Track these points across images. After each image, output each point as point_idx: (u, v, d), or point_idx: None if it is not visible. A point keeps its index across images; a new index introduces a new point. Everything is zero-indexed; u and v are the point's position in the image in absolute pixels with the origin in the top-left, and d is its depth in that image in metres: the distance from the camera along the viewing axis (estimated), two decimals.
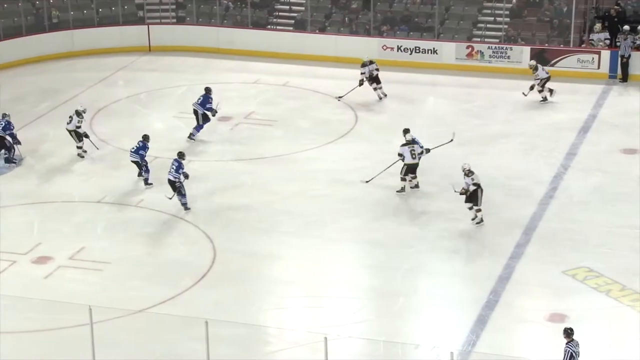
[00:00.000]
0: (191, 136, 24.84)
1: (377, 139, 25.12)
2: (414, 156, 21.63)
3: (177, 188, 21.11)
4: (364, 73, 26.62)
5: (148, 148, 22.57)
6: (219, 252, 19.63)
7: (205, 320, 14.42)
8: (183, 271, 18.98)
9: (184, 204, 21.16)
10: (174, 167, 21.16)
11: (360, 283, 18.90)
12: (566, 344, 14.77)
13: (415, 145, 21.68)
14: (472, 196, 20.33)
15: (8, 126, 23.79)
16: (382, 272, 19.09)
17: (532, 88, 27.04)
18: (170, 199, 21.09)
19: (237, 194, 22.08)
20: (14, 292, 17.72)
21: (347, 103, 27.37)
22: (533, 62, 27.51)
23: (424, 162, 21.98)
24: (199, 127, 24.92)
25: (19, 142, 23.86)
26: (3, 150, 23.77)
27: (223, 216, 21.10)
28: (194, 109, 24.98)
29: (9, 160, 23.64)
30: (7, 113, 24.16)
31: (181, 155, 21.47)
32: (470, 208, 20.46)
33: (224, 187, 22.42)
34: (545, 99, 27.17)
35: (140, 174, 22.54)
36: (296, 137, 25.18)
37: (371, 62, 26.77)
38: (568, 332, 14.88)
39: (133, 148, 22.60)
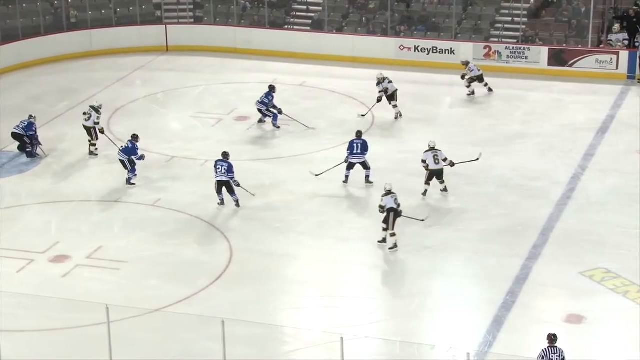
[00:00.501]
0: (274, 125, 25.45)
1: (393, 138, 25.12)
2: (437, 162, 21.41)
3: (231, 187, 21.16)
4: (381, 91, 26.00)
5: (137, 148, 22.59)
6: (235, 252, 19.66)
7: (221, 319, 14.45)
8: (200, 271, 19.02)
9: (236, 201, 21.25)
10: (224, 168, 21.11)
11: (376, 283, 18.89)
12: (546, 347, 14.59)
13: (439, 151, 21.51)
14: (386, 219, 19.60)
15: (30, 127, 23.92)
16: (398, 273, 19.08)
17: (463, 77, 27.47)
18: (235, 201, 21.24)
19: (249, 194, 22.09)
20: (32, 291, 17.81)
21: (364, 103, 27.34)
22: (464, 59, 27.92)
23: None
24: (272, 118, 25.44)
25: (39, 143, 23.99)
26: (26, 146, 23.88)
27: (240, 215, 21.13)
28: (257, 108, 25.33)
29: (30, 155, 23.76)
30: (33, 115, 24.28)
31: (226, 155, 21.42)
32: (385, 229, 19.72)
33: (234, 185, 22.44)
34: (472, 92, 27.43)
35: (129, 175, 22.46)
36: (313, 137, 25.18)
37: (385, 79, 26.11)
38: (552, 338, 14.68)
39: (122, 147, 22.65)
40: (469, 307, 17.81)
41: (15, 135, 23.93)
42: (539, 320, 17.21)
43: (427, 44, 30.38)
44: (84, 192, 22.30)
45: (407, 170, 23.07)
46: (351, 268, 19.23)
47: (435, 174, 21.59)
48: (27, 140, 23.82)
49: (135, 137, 22.73)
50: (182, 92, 28.61)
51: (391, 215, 19.54)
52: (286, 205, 21.59)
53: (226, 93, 28.45)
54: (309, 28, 32.09)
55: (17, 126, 23.99)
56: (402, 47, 30.49)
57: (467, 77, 27.53)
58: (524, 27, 30.55)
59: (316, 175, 22.44)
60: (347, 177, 22.42)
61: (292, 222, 20.90)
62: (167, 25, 32.06)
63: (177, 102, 27.94)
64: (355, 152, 22.31)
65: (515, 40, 30.25)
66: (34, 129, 23.95)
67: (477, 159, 22.19)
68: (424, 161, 21.60)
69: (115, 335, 14.91)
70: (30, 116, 24.23)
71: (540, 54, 29.45)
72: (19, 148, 24.06)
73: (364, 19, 31.97)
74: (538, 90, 28.05)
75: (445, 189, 21.70)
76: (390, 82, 26.03)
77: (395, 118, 26.05)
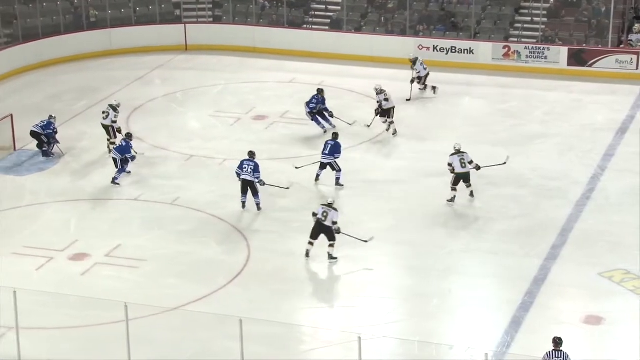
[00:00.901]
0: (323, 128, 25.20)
1: (412, 138, 25.06)
2: (463, 165, 21.13)
3: (255, 188, 21.07)
4: (379, 102, 25.43)
5: (131, 147, 22.65)
6: (253, 251, 19.68)
7: (239, 318, 14.46)
8: (218, 269, 19.05)
9: (258, 204, 21.15)
10: (250, 168, 21.04)
11: (394, 283, 18.87)
12: (550, 351, 14.53)
13: (465, 154, 21.21)
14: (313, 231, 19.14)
15: (48, 126, 24.03)
16: (417, 273, 19.04)
17: (412, 82, 27.16)
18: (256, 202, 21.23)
19: (272, 193, 22.08)
20: (51, 289, 17.88)
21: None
22: (412, 55, 27.52)
23: None
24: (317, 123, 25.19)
25: (57, 142, 24.10)
26: (43, 146, 24.00)
27: (258, 215, 21.14)
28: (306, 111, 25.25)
29: (46, 154, 23.89)
30: (53, 115, 24.38)
31: (252, 154, 21.36)
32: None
33: (258, 186, 22.42)
34: (427, 88, 27.44)
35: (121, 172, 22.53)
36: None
37: (382, 91, 25.13)
38: (556, 342, 14.61)
39: (115, 145, 22.81)
40: (488, 308, 17.76)
41: (33, 134, 24.05)
42: (557, 321, 17.15)
43: (446, 43, 30.32)
44: (103, 190, 22.37)
45: (425, 170, 23.04)
46: (371, 267, 19.19)
47: (462, 178, 21.27)
48: (45, 139, 23.92)
49: (129, 136, 22.83)
50: (201, 91, 28.67)
51: (317, 226, 19.01)
52: (305, 204, 21.58)
53: (245, 92, 28.48)
54: (327, 27, 32.08)
55: (36, 125, 24.11)
56: (420, 47, 30.44)
57: (417, 81, 27.30)
58: (543, 27, 30.44)
59: (296, 168, 22.50)
60: (317, 175, 22.36)
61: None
62: (186, 25, 32.13)
63: (196, 101, 28.00)
64: (324, 151, 22.24)
65: (534, 40, 30.15)
66: (52, 128, 24.06)
67: (504, 163, 22.03)
68: (450, 165, 21.31)
69: (133, 333, 14.95)
70: (51, 116, 24.34)
71: (559, 54, 29.34)
72: (38, 146, 24.19)
73: (382, 18, 31.94)
74: (557, 90, 27.94)
75: (472, 194, 21.42)
76: (386, 99, 24.92)
77: (393, 134, 24.90)
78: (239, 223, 20.77)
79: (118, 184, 22.45)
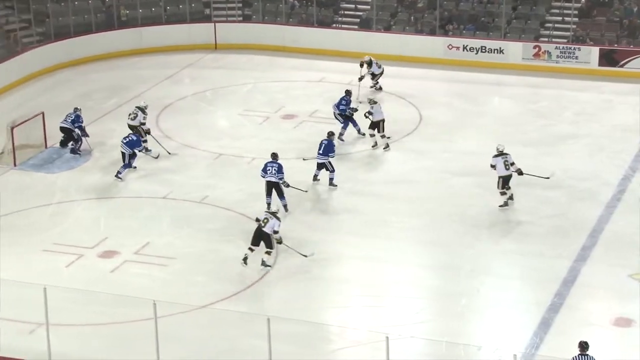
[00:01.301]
0: (340, 137, 24.61)
1: (441, 138, 25.01)
2: (507, 167, 20.84)
3: (280, 190, 21.00)
4: (362, 77, 25.69)
5: (142, 141, 22.97)
6: (281, 250, 19.68)
7: (267, 317, 14.48)
8: (246, 268, 19.05)
9: (285, 205, 21.06)
10: (274, 169, 21.00)
11: (422, 283, 18.82)
12: (577, 355, 14.42)
13: (508, 156, 20.87)
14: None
15: (77, 120, 24.21)
16: (445, 273, 18.99)
17: (361, 80, 27.14)
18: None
19: (299, 192, 22.10)
20: (81, 286, 17.98)
21: (412, 102, 27.28)
22: (367, 58, 27.39)
23: (485, 165, 21.68)
24: (344, 126, 24.81)
25: (87, 135, 24.28)
26: (71, 142, 24.20)
27: (285, 214, 21.14)
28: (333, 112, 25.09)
29: (74, 152, 24.06)
30: (78, 107, 24.57)
31: (275, 156, 21.32)
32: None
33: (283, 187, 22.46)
34: (380, 88, 27.39)
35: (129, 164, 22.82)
36: (359, 136, 25.11)
37: (375, 103, 24.07)
38: (582, 346, 14.50)
39: (125, 139, 22.89)
40: (516, 309, 17.68)
41: (63, 130, 24.22)
42: (586, 323, 17.05)
43: (476, 43, 30.20)
44: (132, 188, 22.48)
45: (453, 169, 22.97)
46: (398, 267, 19.18)
47: (505, 180, 20.96)
48: (75, 135, 24.07)
49: (147, 132, 22.94)
50: (230, 90, 28.74)
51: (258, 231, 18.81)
52: (332, 203, 21.57)
53: (274, 91, 28.52)
54: (357, 27, 32.06)
55: (65, 120, 24.27)
56: (450, 46, 30.34)
57: (363, 75, 27.27)
58: (574, 26, 30.24)
59: (304, 160, 22.68)
60: (315, 175, 22.26)
61: (338, 221, 20.89)
62: (216, 24, 32.22)
63: (225, 99, 28.07)
64: (318, 151, 22.13)
65: (565, 40, 29.96)
66: (80, 120, 24.22)
67: (548, 178, 21.76)
68: (493, 166, 21.00)
69: (162, 330, 15.00)
70: (76, 109, 24.48)
71: (590, 54, 29.15)
72: (62, 144, 24.33)
73: (412, 17, 31.88)
74: (588, 91, 27.76)
75: (511, 197, 21.08)
76: (370, 113, 24.09)
77: (384, 148, 24.00)
78: None
79: (121, 178, 22.59)
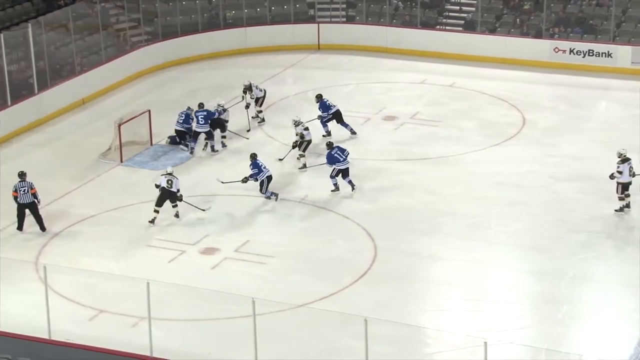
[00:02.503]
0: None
1: (544, 142, 24.64)
2: (632, 174, 20.48)
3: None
4: (298, 134, 23.84)
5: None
6: (379, 251, 19.69)
7: (364, 318, 14.49)
8: (344, 268, 19.13)
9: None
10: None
11: (522, 288, 18.58)
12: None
13: (631, 161, 20.47)
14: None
15: (187, 120, 24.60)
16: (546, 279, 18.70)
17: (247, 107, 25.90)
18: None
19: (399, 194, 22.08)
20: (182, 281, 18.28)
21: (514, 105, 26.93)
22: (247, 82, 26.20)
23: (590, 170, 21.26)
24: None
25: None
26: (184, 141, 24.53)
27: (385, 215, 21.14)
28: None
29: (192, 151, 24.45)
30: (191, 107, 24.95)
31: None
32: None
33: (386, 186, 22.46)
34: (263, 120, 26.11)
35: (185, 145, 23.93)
36: (461, 139, 24.96)
37: (300, 123, 23.69)
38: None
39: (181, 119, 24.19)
40: (620, 317, 17.30)
41: (178, 132, 24.64)
42: None
43: (583, 46, 29.65)
44: (235, 186, 22.72)
45: (558, 174, 22.61)
46: (498, 272, 18.99)
47: (625, 186, 20.57)
48: (188, 137, 24.52)
49: (190, 108, 24.35)
50: (331, 90, 28.78)
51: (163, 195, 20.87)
52: (432, 206, 21.48)
53: (375, 92, 28.51)
54: (461, 28, 31.81)
55: (178, 122, 24.66)
56: (556, 49, 29.85)
57: (249, 102, 26.00)
58: None
59: (280, 160, 23.16)
60: (336, 185, 22.07)
61: (438, 223, 20.77)
62: (320, 24, 32.37)
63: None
64: (341, 160, 22.01)
65: None
66: (190, 121, 24.61)
67: None
68: (619, 172, 20.50)
69: (260, 328, 15.14)
70: (189, 108, 24.90)
71: None
72: (171, 142, 24.74)
73: (517, 20, 31.47)
74: None
75: (628, 205, 20.64)
76: (306, 129, 23.70)
77: (300, 168, 23.43)
78: (365, 222, 20.80)
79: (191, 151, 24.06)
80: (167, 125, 25.19)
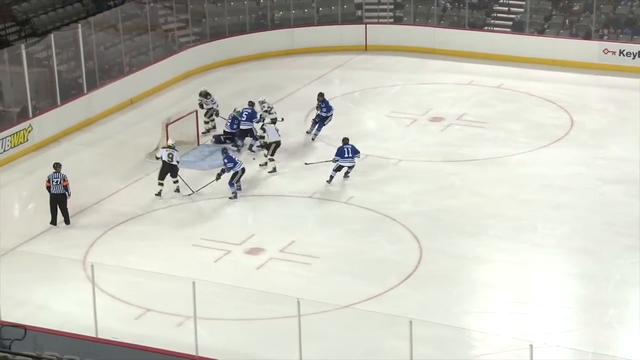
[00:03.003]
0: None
1: (592, 144, 24.41)
2: None
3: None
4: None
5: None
6: (425, 252, 19.64)
7: (409, 319, 14.46)
8: (389, 269, 19.11)
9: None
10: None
11: (569, 291, 18.42)
12: None
13: None
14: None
15: (233, 122, 24.76)
16: (593, 282, 18.52)
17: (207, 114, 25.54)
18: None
19: (445, 195, 22.00)
20: (228, 281, 18.37)
21: (562, 107, 26.72)
22: (203, 90, 25.57)
23: (638, 173, 21.03)
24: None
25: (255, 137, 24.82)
26: (243, 139, 24.68)
27: (430, 216, 21.08)
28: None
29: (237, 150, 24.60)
30: (237, 109, 25.03)
31: (346, 140, 22.69)
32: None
33: (432, 188, 22.40)
34: (213, 127, 25.75)
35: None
36: (508, 140, 24.81)
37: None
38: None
39: (243, 117, 24.32)
40: None
41: (226, 134, 24.82)
42: None
43: (633, 47, 29.32)
44: (280, 187, 22.82)
45: (605, 176, 22.39)
46: (545, 274, 18.85)
47: None
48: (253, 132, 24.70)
49: (251, 103, 24.51)
50: (378, 91, 28.83)
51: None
52: (478, 207, 21.37)
53: (422, 93, 28.44)
54: (509, 29, 31.60)
55: (226, 124, 24.84)
56: (605, 51, 29.55)
57: (205, 109, 25.51)
58: None
59: (306, 164, 23.01)
60: (332, 177, 22.53)
61: (484, 225, 20.66)
62: (367, 25, 32.36)
63: (373, 100, 28.16)
64: (346, 155, 22.39)
65: None
66: (236, 122, 24.76)
67: None
68: None
69: (305, 328, 15.17)
70: (235, 110, 25.04)
71: None
72: (217, 141, 24.90)
73: (567, 21, 31.19)
74: None
75: None
76: (263, 130, 23.77)
77: (270, 171, 23.39)
78: (410, 224, 20.75)
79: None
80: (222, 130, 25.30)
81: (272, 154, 23.45)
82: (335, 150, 22.82)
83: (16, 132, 24.34)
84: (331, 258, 19.64)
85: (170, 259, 19.62)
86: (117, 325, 16.77)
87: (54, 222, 20.90)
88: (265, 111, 24.74)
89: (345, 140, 22.77)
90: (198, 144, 25.10)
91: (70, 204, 21.15)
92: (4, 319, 16.14)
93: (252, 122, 24.55)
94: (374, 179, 22.95)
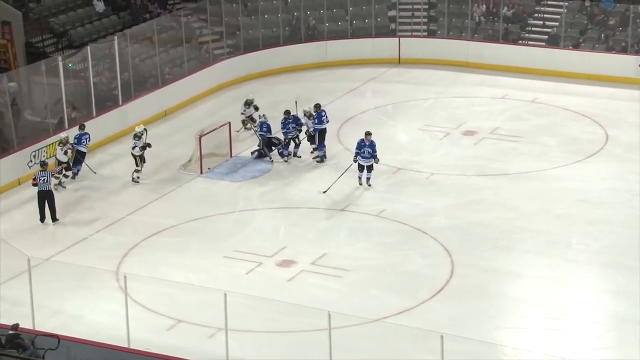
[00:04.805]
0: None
1: (628, 159, 24.21)
2: None
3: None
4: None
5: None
6: (457, 266, 19.55)
7: (440, 334, 14.40)
8: (421, 283, 19.04)
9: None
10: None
11: (603, 308, 18.25)
12: None
13: None
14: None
15: (261, 127, 24.92)
16: (627, 298, 18.33)
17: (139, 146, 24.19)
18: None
19: (478, 209, 21.91)
20: (259, 293, 18.40)
21: (597, 121, 26.54)
22: (140, 129, 24.22)
23: None
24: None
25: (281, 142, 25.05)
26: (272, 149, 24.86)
27: (463, 230, 21.00)
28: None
29: (260, 155, 24.78)
30: (263, 114, 25.23)
31: (369, 134, 23.01)
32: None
33: (465, 202, 22.32)
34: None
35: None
36: (542, 155, 24.68)
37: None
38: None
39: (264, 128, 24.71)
40: None
41: (264, 140, 24.96)
42: None
43: None
44: (312, 199, 22.84)
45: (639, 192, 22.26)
46: (579, 290, 18.70)
47: None
48: (275, 141, 24.80)
49: (287, 113, 24.54)
50: (411, 104, 28.79)
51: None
52: (511, 222, 21.25)
53: (455, 107, 28.37)
54: (544, 43, 31.47)
55: (262, 130, 24.99)
56: None
57: (138, 145, 24.05)
58: None
59: (324, 192, 22.71)
60: (360, 178, 22.94)
61: (517, 240, 20.55)
62: (401, 38, 32.36)
63: (406, 114, 28.13)
64: (362, 151, 22.74)
65: None
66: (264, 129, 24.86)
67: None
68: None
69: (335, 341, 15.15)
70: (260, 116, 25.15)
71: None
72: (259, 156, 25.00)
73: (602, 35, 30.99)
74: None
75: None
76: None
77: (314, 158, 24.62)
78: (443, 238, 20.68)
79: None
80: (246, 137, 25.38)
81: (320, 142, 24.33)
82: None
83: (51, 143, 24.55)
84: (362, 271, 19.61)
85: (202, 270, 19.69)
86: (148, 336, 16.85)
87: (42, 219, 21.37)
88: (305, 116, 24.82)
89: (368, 134, 23.10)
90: (231, 156, 25.19)
91: (104, 214, 21.30)
92: (38, 328, 16.27)
93: (294, 128, 24.65)
94: (406, 192, 22.90)
